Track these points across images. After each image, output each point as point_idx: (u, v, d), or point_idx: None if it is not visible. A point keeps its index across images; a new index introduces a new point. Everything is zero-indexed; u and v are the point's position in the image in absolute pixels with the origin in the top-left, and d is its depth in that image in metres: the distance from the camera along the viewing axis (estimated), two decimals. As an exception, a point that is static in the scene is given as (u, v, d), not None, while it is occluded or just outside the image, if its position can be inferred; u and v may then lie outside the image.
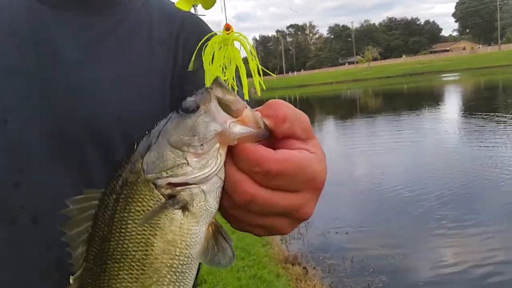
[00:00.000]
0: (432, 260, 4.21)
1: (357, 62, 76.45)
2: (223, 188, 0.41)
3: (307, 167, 0.40)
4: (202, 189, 0.40)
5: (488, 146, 8.31)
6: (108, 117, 0.64)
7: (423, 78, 37.73)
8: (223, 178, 0.40)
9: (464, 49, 78.68)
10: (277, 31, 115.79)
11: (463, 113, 14.15)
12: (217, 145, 0.39)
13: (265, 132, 0.40)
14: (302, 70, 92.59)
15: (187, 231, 0.40)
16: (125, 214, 0.41)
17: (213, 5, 0.51)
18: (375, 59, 71.98)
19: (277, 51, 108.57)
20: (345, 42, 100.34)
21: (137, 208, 0.40)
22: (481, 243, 4.40)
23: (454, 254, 4.29)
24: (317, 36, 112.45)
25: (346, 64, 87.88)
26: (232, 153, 0.40)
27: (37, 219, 0.61)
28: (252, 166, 0.39)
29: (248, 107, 0.41)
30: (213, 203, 0.41)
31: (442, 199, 5.73)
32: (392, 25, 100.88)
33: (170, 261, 0.41)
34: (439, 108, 16.46)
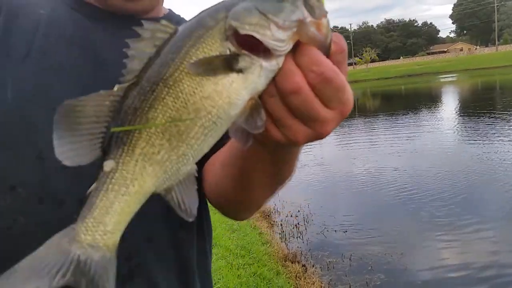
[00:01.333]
0: (431, 258, 4.24)
1: (355, 64, 76.47)
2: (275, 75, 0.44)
3: (347, 91, 0.45)
4: (261, 64, 0.43)
5: (487, 146, 8.35)
6: None
7: (421, 79, 37.78)
8: (280, 66, 0.43)
9: (461, 50, 78.83)
10: None
11: (461, 113, 14.19)
12: (295, 29, 0.42)
13: (327, 49, 0.44)
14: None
15: (234, 90, 0.43)
16: (192, 50, 0.43)
17: None
18: (373, 61, 72.06)
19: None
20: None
21: (205, 50, 0.43)
22: (481, 242, 4.43)
23: (453, 253, 4.32)
24: None
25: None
26: (296, 48, 0.43)
27: (64, 200, 0.65)
28: (311, 65, 0.42)
29: (328, 18, 0.44)
30: (263, 80, 0.43)
31: (441, 198, 5.77)
32: (390, 26, 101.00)
33: (211, 108, 0.43)
34: (437, 109, 16.51)
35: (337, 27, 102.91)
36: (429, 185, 6.35)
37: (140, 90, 0.45)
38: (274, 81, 0.44)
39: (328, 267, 4.24)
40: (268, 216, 5.79)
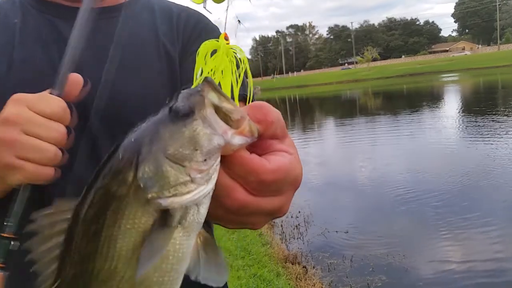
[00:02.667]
0: (432, 259, 4.22)
1: (356, 63, 76.39)
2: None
3: (292, 171, 0.41)
4: (195, 203, 0.37)
5: (490, 146, 8.31)
6: (131, 107, 0.73)
7: (423, 79, 37.72)
8: (213, 187, 0.37)
9: (463, 49, 78.68)
10: (277, 32, 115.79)
11: (464, 113, 14.15)
12: (219, 158, 0.37)
13: (256, 138, 0.39)
14: (301, 71, 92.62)
15: (179, 246, 0.37)
16: (114, 232, 0.36)
17: (223, 0, 0.51)
18: (374, 60, 71.98)
19: (277, 52, 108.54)
20: (345, 43, 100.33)
21: (128, 226, 0.35)
22: (484, 244, 4.39)
23: (455, 254, 4.30)
24: (316, 36, 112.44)
25: (346, 64, 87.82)
26: (225, 160, 0.38)
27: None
28: (247, 176, 0.39)
29: (245, 114, 0.38)
30: (204, 213, 0.38)
31: (443, 198, 5.74)
32: (391, 25, 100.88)
33: (161, 278, 0.37)
34: (439, 108, 16.47)
35: (338, 25, 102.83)
36: (431, 186, 6.32)
37: None
38: (215, 198, 0.39)
39: (329, 268, 4.21)
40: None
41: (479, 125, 10.92)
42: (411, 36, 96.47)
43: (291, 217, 5.61)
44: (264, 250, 4.42)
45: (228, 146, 0.36)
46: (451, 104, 17.60)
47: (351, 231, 5.07)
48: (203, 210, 0.38)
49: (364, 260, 4.28)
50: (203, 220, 0.38)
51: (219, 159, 0.37)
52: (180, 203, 0.35)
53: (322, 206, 5.99)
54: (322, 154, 9.66)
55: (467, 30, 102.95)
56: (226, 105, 0.37)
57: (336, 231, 5.09)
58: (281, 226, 5.43)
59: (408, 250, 4.42)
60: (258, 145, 0.41)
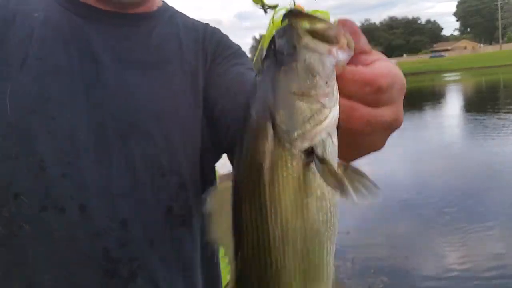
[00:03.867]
0: (435, 261, 4.19)
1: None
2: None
3: (399, 74, 0.41)
4: (328, 132, 0.37)
5: (493, 147, 8.28)
6: (148, 115, 0.72)
7: (425, 78, 37.66)
8: (338, 114, 0.38)
9: (465, 48, 78.60)
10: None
11: (466, 113, 14.12)
12: (335, 75, 0.37)
13: (353, 51, 0.39)
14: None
15: (325, 179, 0.38)
16: (275, 190, 0.37)
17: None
18: (376, 58, 71.81)
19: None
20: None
21: (284, 177, 0.37)
22: (487, 246, 4.36)
23: (457, 256, 4.26)
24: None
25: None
26: (337, 82, 0.38)
27: (84, 207, 0.67)
28: (363, 88, 0.38)
29: (339, 28, 0.38)
30: (336, 143, 0.38)
31: (445, 199, 5.70)
32: (393, 24, 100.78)
33: (325, 216, 0.39)
34: (441, 107, 16.43)
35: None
36: (434, 187, 6.28)
37: (256, 268, 0.39)
38: (339, 125, 0.39)
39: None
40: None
41: (481, 125, 10.88)
42: (413, 35, 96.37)
43: (292, 217, 5.58)
44: (264, 251, 4.39)
45: (338, 63, 0.37)
46: (454, 104, 17.56)
47: (353, 233, 5.03)
48: (335, 140, 0.38)
49: (366, 261, 4.24)
50: (337, 150, 0.39)
51: (335, 77, 0.37)
52: (324, 129, 0.36)
53: (323, 207, 5.95)
54: (323, 153, 9.64)
55: (468, 29, 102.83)
56: (319, 26, 0.37)
57: (337, 232, 5.04)
58: (282, 226, 5.40)
59: (410, 252, 4.39)
60: (355, 62, 0.40)
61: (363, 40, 0.41)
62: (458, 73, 38.70)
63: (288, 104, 0.36)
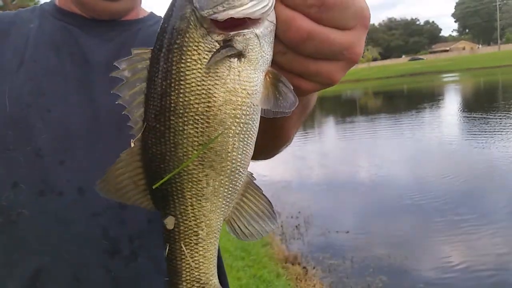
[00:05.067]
0: (433, 260, 4.20)
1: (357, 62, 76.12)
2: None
3: (356, 0, 0.39)
4: (256, 33, 0.38)
5: (492, 147, 8.29)
6: None
7: (423, 79, 37.64)
8: (274, 22, 0.38)
9: (463, 49, 78.67)
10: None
11: (465, 113, 14.13)
12: None
13: None
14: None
15: (246, 79, 0.39)
16: (182, 65, 0.39)
17: None
18: (375, 59, 71.93)
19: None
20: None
21: (193, 58, 0.38)
22: (487, 246, 4.38)
23: (456, 255, 4.28)
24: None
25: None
26: None
27: (83, 191, 0.70)
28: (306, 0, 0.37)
29: None
30: (267, 48, 0.39)
31: (446, 199, 5.72)
32: (391, 25, 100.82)
33: (234, 111, 0.39)
34: (440, 108, 16.44)
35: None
36: (433, 186, 6.30)
37: (156, 134, 0.42)
38: (277, 38, 0.39)
39: (329, 269, 4.20)
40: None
41: (481, 125, 10.90)
42: (412, 36, 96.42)
43: (291, 217, 5.59)
44: (264, 251, 4.40)
45: None
46: (453, 104, 17.57)
47: (352, 232, 5.05)
48: (266, 45, 0.39)
49: (365, 261, 4.26)
50: (268, 57, 0.39)
51: None
52: (234, 14, 0.36)
53: (322, 207, 5.97)
54: (322, 154, 9.64)
55: (467, 30, 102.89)
56: None
57: (337, 232, 5.07)
58: (281, 226, 5.41)
59: (409, 251, 4.41)
60: None
61: None
62: (456, 74, 38.73)
63: None
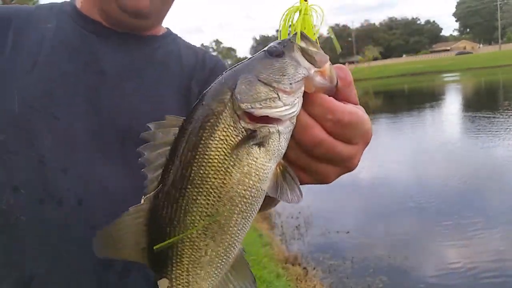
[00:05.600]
0: (434, 261, 4.19)
1: (357, 62, 76.33)
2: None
3: (366, 122, 0.46)
4: (278, 129, 0.43)
5: (493, 147, 8.28)
6: (143, 120, 0.77)
7: (424, 78, 37.65)
8: (294, 123, 0.44)
9: (464, 48, 78.60)
10: (277, 31, 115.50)
11: (466, 113, 14.11)
12: (303, 87, 0.43)
13: (334, 89, 0.45)
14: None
15: (260, 166, 0.43)
16: (209, 142, 0.43)
17: None
18: (375, 59, 71.86)
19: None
20: (346, 42, 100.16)
21: (221, 137, 0.43)
22: (487, 246, 4.37)
23: (456, 255, 4.27)
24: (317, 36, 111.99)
25: (347, 64, 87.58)
26: (307, 99, 0.44)
27: (82, 201, 0.70)
28: (326, 114, 0.43)
29: (327, 60, 0.45)
30: (284, 144, 0.44)
31: (447, 200, 5.71)
32: (392, 24, 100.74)
33: (244, 191, 0.43)
34: (441, 108, 16.42)
35: (339, 24, 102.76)
36: (433, 187, 6.29)
37: (169, 198, 0.44)
38: (293, 136, 0.45)
39: (329, 270, 4.19)
40: (269, 218, 5.73)
41: (482, 125, 10.88)
42: (412, 36, 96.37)
43: (291, 218, 5.58)
44: (264, 251, 4.39)
45: (310, 81, 0.43)
46: (454, 104, 17.55)
47: (352, 232, 5.04)
48: (284, 141, 0.44)
49: (365, 261, 4.25)
50: (282, 151, 0.44)
51: (302, 87, 0.43)
52: (268, 113, 0.42)
53: (322, 207, 5.96)
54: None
55: (468, 30, 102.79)
56: (312, 49, 0.45)
57: (337, 232, 5.06)
58: (281, 227, 5.40)
59: (409, 251, 4.40)
60: (337, 98, 0.45)
61: (353, 91, 0.47)
62: (457, 74, 38.69)
63: (251, 83, 0.43)
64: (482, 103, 15.83)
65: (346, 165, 0.48)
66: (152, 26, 0.86)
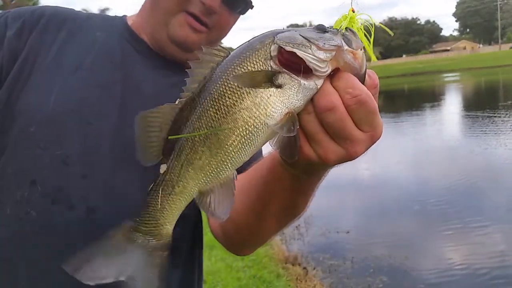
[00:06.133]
0: (434, 260, 4.19)
1: (357, 62, 76.05)
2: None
3: (378, 116, 0.51)
4: (300, 82, 0.48)
5: (493, 147, 8.27)
6: None
7: (424, 78, 37.65)
8: (319, 86, 0.49)
9: (464, 48, 78.62)
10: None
11: (466, 114, 14.11)
12: (333, 53, 0.48)
13: (361, 79, 0.50)
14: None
15: (271, 103, 0.49)
16: (237, 67, 0.50)
17: None
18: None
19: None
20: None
21: (248, 67, 0.50)
22: (487, 246, 4.36)
23: (457, 255, 4.26)
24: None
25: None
26: (334, 73, 0.49)
27: (94, 211, 0.71)
28: (347, 87, 0.48)
29: (363, 49, 0.51)
30: (300, 98, 0.49)
31: (446, 199, 5.70)
32: (392, 24, 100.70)
33: (248, 118, 0.50)
34: (442, 109, 16.42)
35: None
36: (434, 186, 6.29)
37: (192, 103, 0.53)
38: (312, 100, 0.50)
39: (329, 270, 4.18)
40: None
41: (482, 125, 10.87)
42: (412, 36, 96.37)
43: (292, 217, 5.57)
44: (264, 251, 4.38)
45: (341, 53, 0.48)
46: (454, 104, 17.55)
47: (352, 232, 5.03)
48: (301, 95, 0.49)
49: (365, 261, 4.24)
50: (297, 104, 0.49)
51: (333, 53, 0.48)
52: (297, 51, 0.48)
53: (323, 207, 5.94)
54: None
55: (468, 30, 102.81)
56: (351, 35, 0.51)
57: (337, 232, 5.05)
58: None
59: (409, 251, 4.39)
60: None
61: (376, 94, 0.52)
62: (457, 74, 38.69)
63: (293, 34, 0.50)
64: (482, 102, 15.83)
65: (349, 148, 0.50)
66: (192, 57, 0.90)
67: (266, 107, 0.49)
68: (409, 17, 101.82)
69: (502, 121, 10.95)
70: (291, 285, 3.73)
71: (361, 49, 0.50)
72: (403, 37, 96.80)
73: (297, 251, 4.65)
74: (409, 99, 23.25)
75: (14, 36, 0.78)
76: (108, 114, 0.76)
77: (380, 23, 0.59)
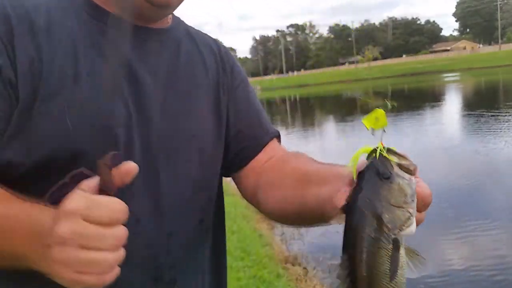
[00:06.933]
0: (434, 260, 4.19)
1: (357, 62, 76.34)
2: None
3: (430, 198, 0.62)
4: (407, 234, 0.56)
5: (493, 147, 8.27)
6: (187, 136, 0.78)
7: (424, 78, 37.66)
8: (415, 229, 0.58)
9: (464, 48, 78.67)
10: (277, 31, 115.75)
11: (467, 113, 14.12)
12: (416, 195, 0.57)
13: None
14: (302, 70, 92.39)
15: (403, 259, 0.57)
16: (378, 258, 0.56)
17: (383, 126, 0.64)
18: (375, 59, 71.89)
19: (277, 51, 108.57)
20: (346, 42, 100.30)
21: (383, 253, 0.56)
22: (488, 245, 4.36)
23: (458, 255, 4.27)
24: (317, 35, 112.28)
25: (347, 64, 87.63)
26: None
27: (139, 222, 0.71)
28: (421, 201, 0.58)
29: (415, 165, 0.59)
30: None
31: (446, 199, 5.69)
32: (392, 24, 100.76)
33: (401, 279, 0.57)
34: (442, 109, 16.43)
35: (339, 24, 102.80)
36: (434, 186, 6.17)
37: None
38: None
39: (329, 270, 4.18)
40: (269, 217, 5.72)
41: (482, 125, 10.88)
42: (412, 36, 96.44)
43: (292, 217, 5.57)
44: (264, 251, 4.39)
45: (415, 187, 0.57)
46: (454, 104, 17.56)
47: (352, 232, 5.02)
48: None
49: (365, 261, 4.23)
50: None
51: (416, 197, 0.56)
52: (410, 231, 0.56)
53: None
54: (323, 153, 9.62)
55: (468, 30, 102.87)
56: (404, 162, 0.57)
57: (337, 232, 5.01)
58: (282, 227, 5.39)
59: (409, 251, 4.38)
60: None
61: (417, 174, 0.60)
62: (457, 74, 38.70)
63: (390, 211, 0.55)
64: (482, 102, 15.82)
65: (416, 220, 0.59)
66: (168, 15, 0.82)
67: (403, 263, 0.58)
68: (409, 17, 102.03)
69: (506, 120, 10.95)
70: (291, 285, 3.72)
71: (415, 167, 0.58)
72: (403, 37, 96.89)
73: (297, 251, 4.65)
74: (410, 99, 23.25)
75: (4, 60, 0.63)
76: (126, 117, 0.71)
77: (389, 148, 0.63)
